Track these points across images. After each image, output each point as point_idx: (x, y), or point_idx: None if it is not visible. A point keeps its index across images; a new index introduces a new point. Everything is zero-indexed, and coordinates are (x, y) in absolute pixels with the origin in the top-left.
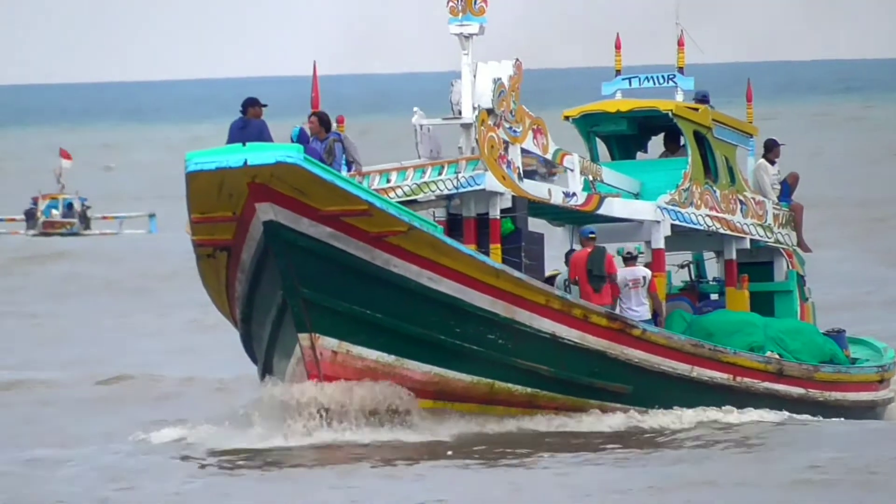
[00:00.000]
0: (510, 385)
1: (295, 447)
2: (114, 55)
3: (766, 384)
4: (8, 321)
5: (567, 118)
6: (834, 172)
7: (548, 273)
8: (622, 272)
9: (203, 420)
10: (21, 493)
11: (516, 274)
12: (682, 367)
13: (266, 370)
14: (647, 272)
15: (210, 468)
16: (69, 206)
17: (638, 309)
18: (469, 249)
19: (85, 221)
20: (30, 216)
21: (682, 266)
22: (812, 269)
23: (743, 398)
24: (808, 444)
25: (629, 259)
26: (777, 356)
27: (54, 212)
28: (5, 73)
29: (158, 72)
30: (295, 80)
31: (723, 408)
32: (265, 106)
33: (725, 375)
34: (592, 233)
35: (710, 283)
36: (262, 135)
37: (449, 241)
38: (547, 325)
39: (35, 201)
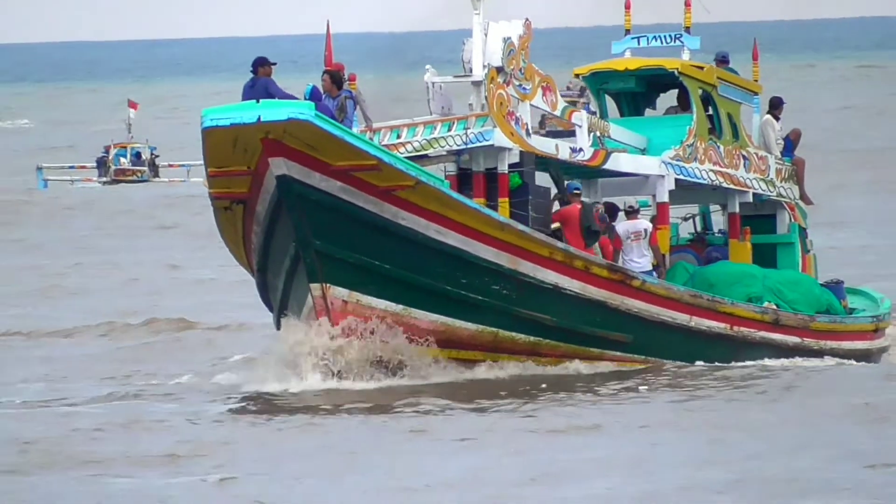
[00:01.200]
0: (514, 334)
1: (307, 391)
2: (161, 14)
3: (763, 333)
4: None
5: (577, 76)
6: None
7: (554, 226)
8: (624, 225)
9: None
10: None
11: (520, 227)
12: (680, 317)
13: (278, 318)
14: (649, 225)
15: (222, 412)
16: (137, 154)
17: (639, 261)
18: (474, 203)
19: (154, 169)
20: (101, 164)
21: (686, 219)
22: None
23: (740, 347)
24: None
25: (631, 212)
26: (774, 306)
27: (123, 160)
28: (70, 31)
29: (202, 30)
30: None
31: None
32: (274, 64)
33: (723, 325)
34: (577, 188)
35: (716, 235)
36: (269, 90)
37: (455, 195)
38: (550, 276)
39: (107, 150)
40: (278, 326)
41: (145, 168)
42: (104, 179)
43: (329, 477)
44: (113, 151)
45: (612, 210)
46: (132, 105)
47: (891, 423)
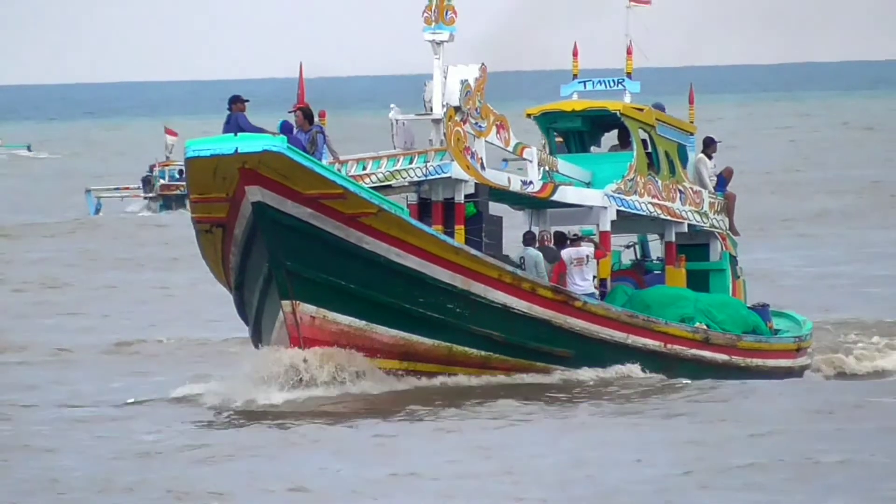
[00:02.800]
0: (467, 348)
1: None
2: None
3: (694, 351)
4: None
5: (529, 116)
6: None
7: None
8: (568, 251)
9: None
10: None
11: (473, 251)
12: (618, 335)
13: (255, 331)
14: (591, 251)
15: (202, 421)
16: (180, 172)
17: (582, 284)
18: (431, 229)
19: None
20: (146, 182)
21: (628, 246)
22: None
23: (673, 363)
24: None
25: (575, 240)
26: (705, 326)
27: (162, 181)
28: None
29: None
30: (287, 81)
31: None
32: (248, 101)
33: (658, 343)
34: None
35: (654, 261)
36: (240, 122)
37: (413, 221)
38: (499, 296)
39: (151, 169)
40: (253, 339)
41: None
42: (150, 195)
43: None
44: (157, 170)
45: (559, 238)
46: (170, 132)
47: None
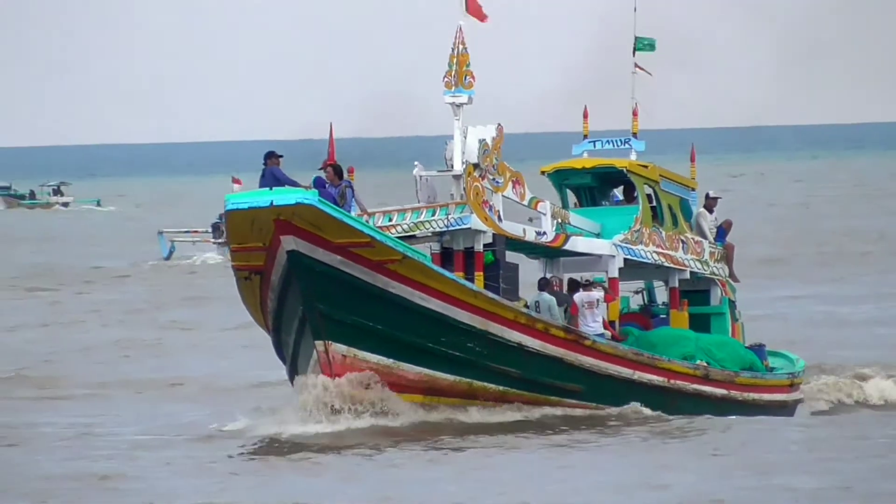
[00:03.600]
0: (486, 384)
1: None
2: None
3: (695, 386)
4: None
5: (543, 173)
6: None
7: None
8: (580, 295)
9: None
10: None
11: (490, 295)
12: (625, 371)
13: (292, 369)
14: (601, 295)
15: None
16: None
17: (592, 325)
18: (452, 275)
19: None
20: (216, 228)
21: (636, 292)
22: None
23: (676, 397)
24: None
25: (586, 285)
26: (705, 364)
27: None
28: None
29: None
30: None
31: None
32: (281, 157)
33: (661, 378)
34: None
35: (660, 306)
36: (276, 175)
37: (436, 267)
38: (515, 335)
39: (221, 216)
40: (290, 377)
41: None
42: (220, 241)
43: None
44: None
45: (573, 283)
46: (236, 181)
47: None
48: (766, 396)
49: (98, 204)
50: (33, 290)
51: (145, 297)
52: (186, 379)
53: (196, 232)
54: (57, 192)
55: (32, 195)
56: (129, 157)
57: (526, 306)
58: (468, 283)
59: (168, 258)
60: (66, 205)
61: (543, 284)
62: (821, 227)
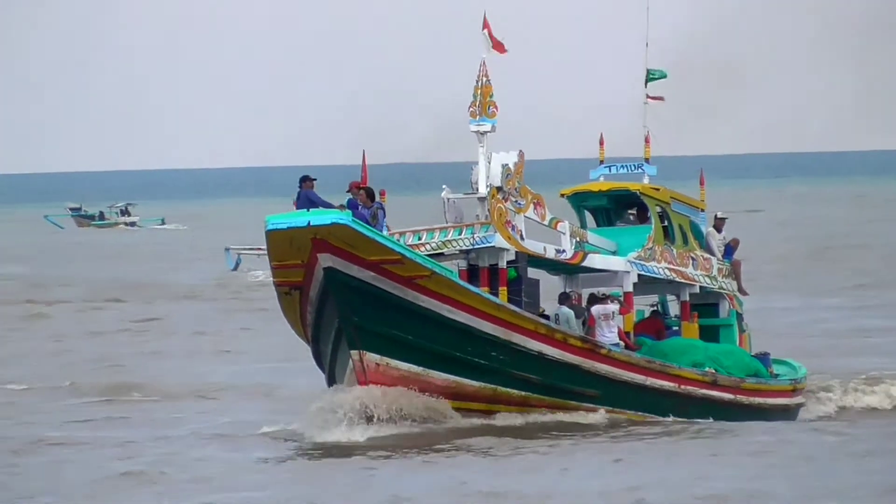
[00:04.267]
0: (509, 389)
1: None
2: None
3: (704, 391)
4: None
5: (563, 195)
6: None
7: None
8: (597, 308)
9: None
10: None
11: (513, 308)
12: (638, 377)
13: (330, 377)
14: (616, 307)
15: (287, 454)
16: None
17: (608, 335)
18: (477, 289)
19: None
20: None
21: (651, 305)
22: None
23: (686, 401)
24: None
25: (602, 298)
26: (713, 371)
27: None
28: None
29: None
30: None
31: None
32: (315, 180)
33: (672, 384)
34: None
35: (672, 318)
36: (310, 198)
37: (462, 282)
38: (535, 345)
39: None
40: (329, 383)
41: None
42: None
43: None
44: None
45: (592, 297)
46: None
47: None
48: (770, 401)
49: (162, 222)
50: (111, 300)
51: (214, 308)
52: (246, 384)
53: (260, 249)
54: (124, 212)
55: (102, 215)
56: (191, 181)
57: (544, 316)
58: (492, 297)
59: (235, 269)
60: (132, 224)
61: (563, 298)
62: None
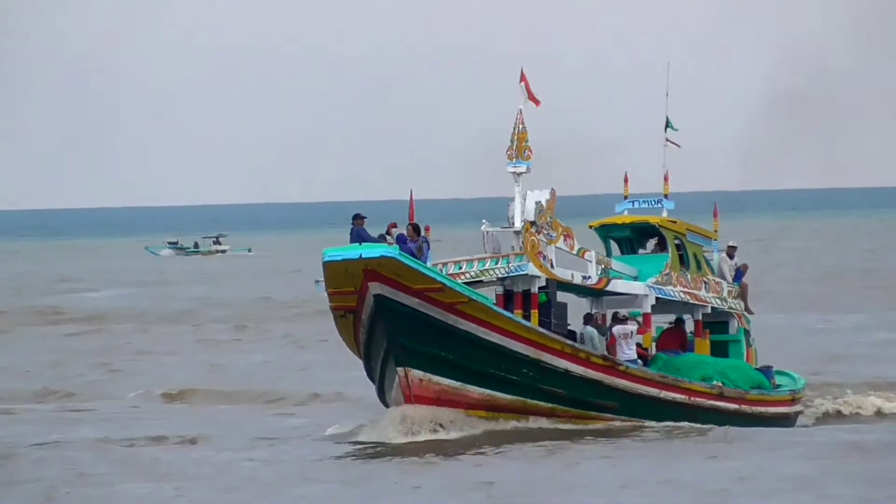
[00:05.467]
0: (538, 402)
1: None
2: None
3: (712, 402)
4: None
5: (591, 227)
6: None
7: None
8: (617, 328)
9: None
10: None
11: (541, 330)
12: (653, 391)
13: (379, 389)
14: (634, 328)
15: (342, 454)
16: None
17: (628, 352)
18: (509, 313)
19: None
20: None
21: (669, 324)
22: None
23: (696, 412)
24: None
25: (623, 319)
26: (720, 384)
27: None
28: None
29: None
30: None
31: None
32: (365, 217)
33: (683, 396)
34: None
35: (689, 333)
36: (360, 235)
37: (496, 308)
38: (562, 363)
39: None
40: (379, 395)
41: None
42: None
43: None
44: None
45: (615, 317)
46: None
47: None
48: (771, 409)
49: (249, 251)
50: (214, 321)
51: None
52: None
53: None
54: (216, 242)
55: (196, 245)
56: (280, 215)
57: (571, 333)
58: (523, 321)
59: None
60: (223, 252)
61: (588, 319)
62: None
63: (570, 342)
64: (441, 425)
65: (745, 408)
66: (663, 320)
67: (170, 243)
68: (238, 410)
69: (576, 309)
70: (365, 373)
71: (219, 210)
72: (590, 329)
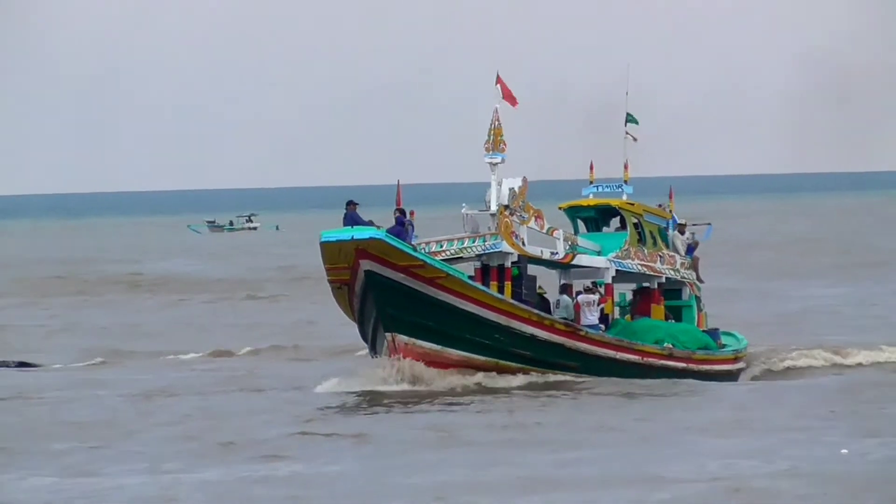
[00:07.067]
0: (508, 362)
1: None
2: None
3: (662, 361)
4: None
5: (560, 208)
6: None
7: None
8: (582, 296)
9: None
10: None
11: (511, 300)
12: (609, 352)
13: (371, 349)
14: (597, 297)
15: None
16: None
17: (591, 318)
18: (482, 286)
19: None
20: None
21: (635, 291)
22: None
23: (648, 370)
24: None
25: (588, 289)
26: (671, 346)
27: None
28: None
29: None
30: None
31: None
32: (357, 204)
33: (637, 357)
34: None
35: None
36: (354, 218)
37: (471, 282)
38: (529, 329)
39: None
40: (371, 353)
41: None
42: None
43: None
44: None
45: (584, 288)
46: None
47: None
48: (716, 367)
49: (277, 228)
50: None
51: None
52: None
53: None
54: (249, 220)
55: (231, 224)
56: (307, 196)
57: (544, 299)
58: (494, 293)
59: None
60: (254, 229)
61: (563, 289)
62: None
63: (536, 311)
64: (419, 379)
65: (692, 366)
66: (624, 288)
67: (208, 222)
68: None
69: (546, 280)
70: (359, 334)
71: (247, 193)
72: (565, 298)
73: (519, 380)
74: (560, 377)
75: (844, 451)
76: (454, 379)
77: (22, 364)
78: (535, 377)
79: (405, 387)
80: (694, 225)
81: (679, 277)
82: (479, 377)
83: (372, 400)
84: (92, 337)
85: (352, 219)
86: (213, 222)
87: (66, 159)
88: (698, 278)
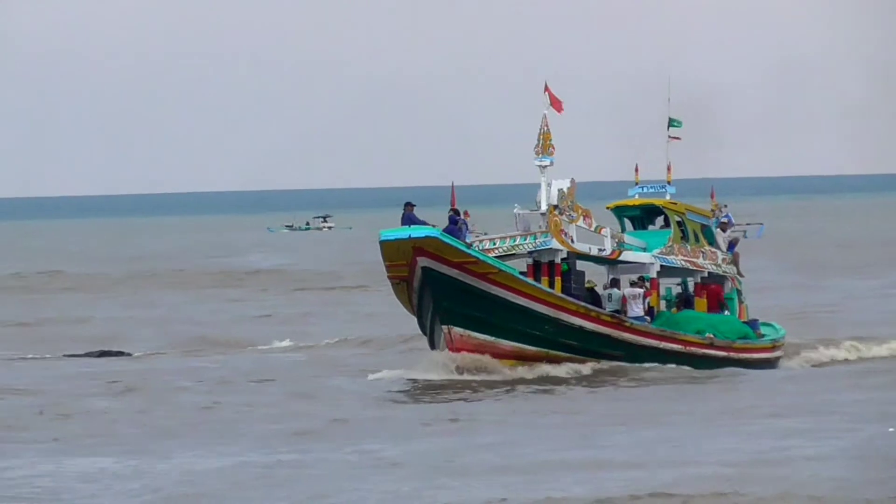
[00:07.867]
0: (557, 352)
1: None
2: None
3: (704, 350)
4: None
5: (608, 208)
6: None
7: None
8: (628, 290)
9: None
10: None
11: (559, 294)
12: (654, 342)
13: (430, 341)
14: (642, 291)
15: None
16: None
17: (637, 310)
18: (532, 281)
19: None
20: None
21: (678, 285)
22: None
23: (691, 359)
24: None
25: (635, 283)
26: (712, 336)
27: None
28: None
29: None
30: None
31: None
32: (415, 205)
33: (680, 346)
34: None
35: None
36: (411, 218)
37: (521, 276)
38: (577, 321)
39: None
40: (430, 345)
41: None
42: None
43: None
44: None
45: (631, 282)
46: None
47: None
48: (755, 356)
49: (350, 229)
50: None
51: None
52: None
53: None
54: (324, 220)
55: (308, 224)
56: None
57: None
58: (543, 287)
59: None
60: (329, 229)
61: (612, 283)
62: None
63: (583, 303)
64: (477, 368)
65: (732, 355)
66: (668, 283)
67: (286, 226)
68: None
69: (596, 277)
70: (419, 328)
71: (323, 193)
72: (616, 291)
73: (586, 368)
74: (615, 367)
75: (892, 429)
76: (521, 370)
77: (111, 353)
78: (590, 367)
79: (467, 376)
80: (747, 224)
81: (720, 272)
82: (546, 367)
83: (447, 386)
84: (192, 327)
85: (409, 219)
86: (291, 226)
87: (160, 157)
88: (739, 273)
